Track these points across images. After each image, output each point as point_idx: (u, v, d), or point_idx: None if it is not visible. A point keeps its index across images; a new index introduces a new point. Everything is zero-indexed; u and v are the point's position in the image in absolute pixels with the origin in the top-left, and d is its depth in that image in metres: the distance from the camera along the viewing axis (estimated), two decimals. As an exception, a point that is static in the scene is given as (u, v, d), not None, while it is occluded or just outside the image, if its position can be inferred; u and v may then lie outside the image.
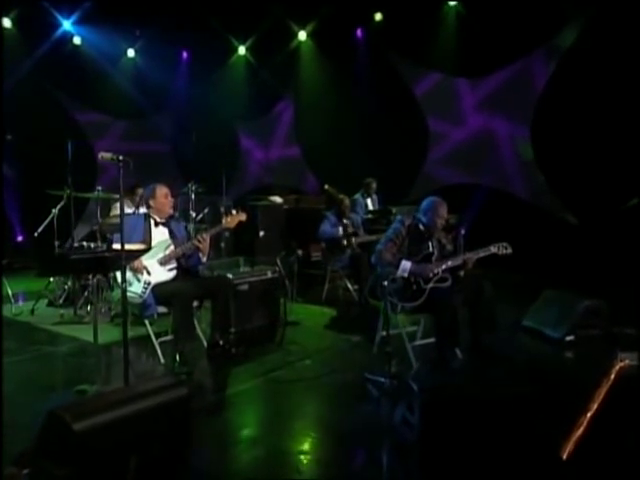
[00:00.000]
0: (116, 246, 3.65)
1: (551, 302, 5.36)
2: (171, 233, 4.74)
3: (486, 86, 9.63)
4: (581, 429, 3.72)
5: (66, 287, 6.05)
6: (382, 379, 3.95)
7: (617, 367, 3.69)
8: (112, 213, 6.49)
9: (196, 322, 4.88)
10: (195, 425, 3.07)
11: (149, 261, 4.53)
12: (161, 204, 4.68)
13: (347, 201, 6.88)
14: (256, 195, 9.11)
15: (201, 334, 4.87)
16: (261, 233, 7.21)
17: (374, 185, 8.42)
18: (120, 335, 4.47)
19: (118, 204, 6.36)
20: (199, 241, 4.62)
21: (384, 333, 4.55)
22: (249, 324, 5.48)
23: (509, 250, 4.61)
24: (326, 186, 11.09)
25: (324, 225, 6.69)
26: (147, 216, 4.69)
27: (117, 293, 4.63)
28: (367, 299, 6.20)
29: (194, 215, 6.92)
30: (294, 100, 11.38)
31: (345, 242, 6.45)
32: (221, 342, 4.75)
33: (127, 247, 3.87)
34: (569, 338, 4.99)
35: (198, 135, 11.11)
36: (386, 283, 3.79)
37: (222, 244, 6.94)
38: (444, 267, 4.42)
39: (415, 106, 10.19)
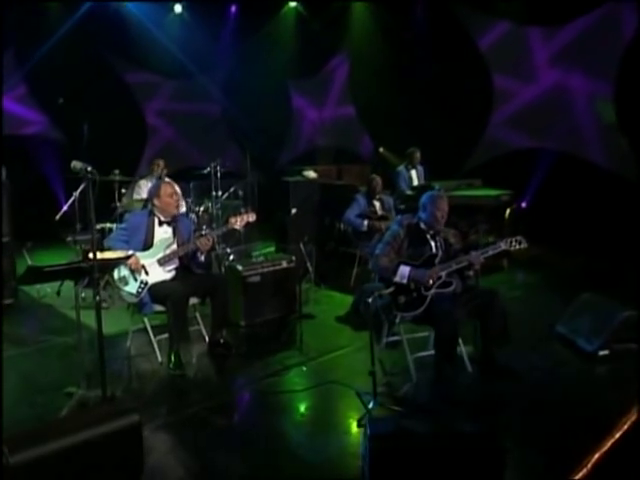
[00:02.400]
0: (99, 254, 3.76)
1: (587, 308, 5.02)
2: (175, 232, 4.81)
3: (563, 36, 8.88)
4: (598, 455, 3.58)
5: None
6: (369, 399, 3.89)
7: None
8: (135, 194, 6.67)
9: (199, 318, 5.02)
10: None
11: (148, 260, 4.65)
12: (166, 203, 4.75)
13: (378, 180, 6.67)
14: (299, 166, 9.01)
15: (204, 331, 5.00)
16: (293, 211, 7.16)
17: (418, 155, 8.12)
18: (130, 324, 4.85)
19: (142, 185, 6.57)
20: (201, 242, 4.66)
21: (386, 339, 4.49)
22: (260, 317, 5.56)
23: (523, 244, 4.34)
24: (381, 149, 10.89)
25: (351, 210, 6.56)
26: (151, 214, 4.80)
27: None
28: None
29: (220, 194, 6.97)
30: (348, 56, 11.03)
31: (368, 230, 6.32)
32: (221, 341, 4.87)
33: (108, 254, 4.00)
34: (602, 352, 4.66)
35: (247, 94, 11.16)
36: (370, 300, 3.67)
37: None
38: (447, 271, 4.21)
39: (479, 61, 9.61)
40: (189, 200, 6.74)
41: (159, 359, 4.68)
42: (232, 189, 7.20)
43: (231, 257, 6.82)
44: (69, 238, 5.38)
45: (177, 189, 6.71)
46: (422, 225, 4.39)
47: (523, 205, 8.99)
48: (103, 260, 3.79)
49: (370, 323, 3.72)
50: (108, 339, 5.05)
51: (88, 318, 4.15)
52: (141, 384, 4.43)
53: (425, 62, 9.86)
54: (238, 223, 4.88)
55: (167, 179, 6.71)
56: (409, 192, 7.71)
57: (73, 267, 3.70)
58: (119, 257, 4.12)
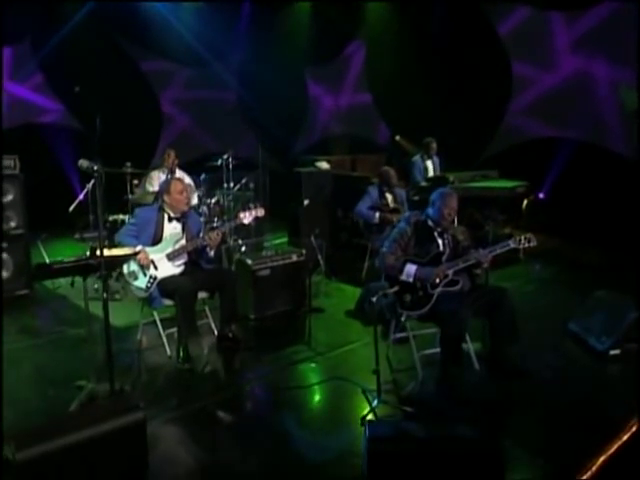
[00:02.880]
0: (106, 251, 3.84)
1: (600, 306, 4.99)
2: (184, 228, 4.88)
3: (585, 21, 8.73)
4: (605, 457, 3.60)
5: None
6: (373, 397, 3.94)
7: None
8: (148, 185, 6.75)
9: (208, 311, 5.10)
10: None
11: (157, 255, 4.73)
12: (175, 200, 4.81)
13: (391, 172, 6.66)
14: (312, 157, 9.03)
15: (213, 324, 5.08)
16: (305, 202, 7.20)
17: (434, 145, 8.08)
18: (142, 316, 4.94)
19: (154, 177, 6.65)
20: (210, 237, 4.74)
21: (394, 335, 4.52)
22: (270, 310, 5.63)
23: (533, 243, 4.32)
24: (397, 137, 10.84)
25: (362, 202, 6.56)
26: (160, 209, 4.87)
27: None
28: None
29: (231, 185, 7.03)
30: (364, 42, 10.95)
31: (380, 223, 6.33)
32: (230, 335, 4.94)
33: (115, 251, 4.09)
34: (613, 352, 4.65)
35: (263, 82, 11.16)
36: (375, 299, 3.70)
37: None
38: (454, 269, 4.22)
39: (498, 47, 9.48)
40: (200, 192, 6.79)
41: (168, 353, 4.77)
42: (244, 181, 7.25)
43: (243, 249, 6.89)
44: (77, 235, 5.49)
45: (189, 181, 6.82)
46: (430, 222, 4.39)
47: (541, 196, 8.92)
48: (111, 257, 3.87)
49: (374, 322, 3.75)
50: (119, 331, 5.26)
51: (101, 310, 4.19)
52: (150, 378, 4.52)
53: (443, 48, 9.75)
54: (247, 218, 4.94)
55: (179, 172, 6.79)
56: (423, 183, 7.69)
57: (81, 264, 3.78)
58: (126, 254, 4.20)
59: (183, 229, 4.89)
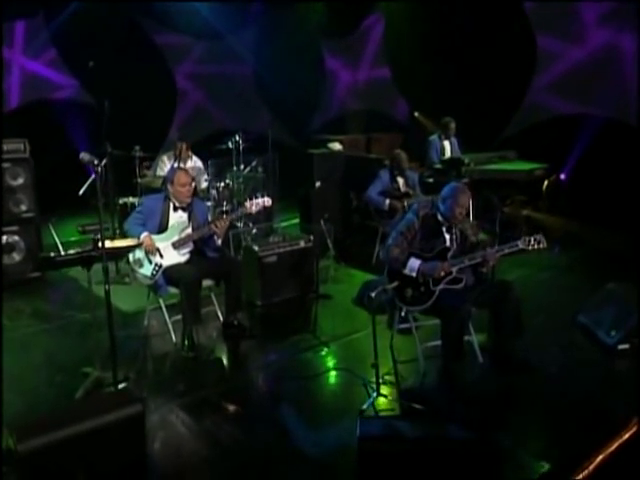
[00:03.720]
0: (108, 242, 3.97)
1: (611, 298, 4.99)
2: (190, 217, 5.00)
3: (614, -7, 8.50)
4: (604, 455, 3.67)
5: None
6: (373, 390, 4.04)
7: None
8: (158, 169, 6.85)
9: (214, 298, 5.23)
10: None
11: (163, 243, 4.86)
12: (178, 192, 4.92)
13: (403, 155, 6.66)
14: (325, 136, 9.04)
15: (219, 311, 5.21)
16: (317, 184, 7.26)
17: (453, 125, 8.02)
18: (150, 302, 5.11)
19: (165, 160, 6.75)
20: (216, 226, 4.84)
21: (398, 326, 4.60)
22: (277, 297, 5.75)
23: (542, 244, 4.32)
24: (416, 113, 10.77)
25: (373, 187, 6.59)
26: (166, 198, 4.98)
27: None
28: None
29: (242, 168, 7.10)
30: (384, 14, 10.81)
31: (390, 210, 6.38)
32: (235, 322, 5.09)
33: (118, 242, 4.22)
34: (622, 347, 4.65)
35: (279, 55, 11.12)
36: (374, 294, 3.77)
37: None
38: (459, 266, 4.26)
39: (523, 20, 9.29)
40: (209, 175, 6.87)
41: (174, 339, 4.93)
42: (254, 163, 7.31)
43: (254, 231, 6.98)
44: (79, 228, 5.64)
45: (200, 165, 6.90)
46: (439, 217, 4.40)
47: (562, 177, 8.82)
48: (113, 249, 4.00)
49: (374, 316, 3.82)
50: (127, 316, 5.43)
51: (112, 294, 4.27)
52: (155, 366, 4.70)
53: (465, 21, 9.60)
54: (253, 207, 5.03)
55: (190, 161, 6.85)
56: (438, 165, 7.67)
57: (84, 256, 3.92)
58: (129, 245, 4.32)
59: (189, 218, 5.00)
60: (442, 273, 4.24)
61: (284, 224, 8.28)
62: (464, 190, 4.39)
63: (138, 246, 4.57)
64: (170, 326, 4.98)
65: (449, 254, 4.31)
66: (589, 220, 8.28)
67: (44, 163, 7.85)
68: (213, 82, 11.43)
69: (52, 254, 3.91)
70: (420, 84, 10.26)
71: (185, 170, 5.02)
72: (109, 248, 3.93)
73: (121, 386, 4.05)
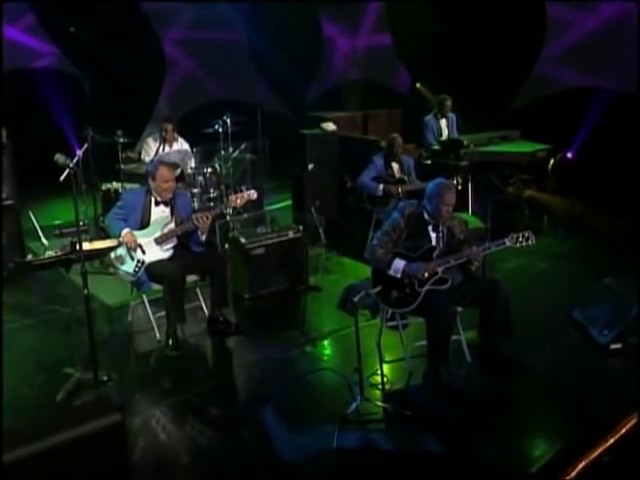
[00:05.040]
0: (85, 245, 4.11)
1: (606, 295, 5.12)
2: (173, 212, 5.12)
3: (629, -44, 8.42)
4: (591, 458, 3.86)
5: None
6: (357, 393, 4.21)
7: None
8: (144, 152, 6.93)
9: (200, 293, 5.39)
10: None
11: (145, 239, 4.99)
12: (160, 188, 5.03)
13: (399, 140, 6.73)
14: (319, 113, 9.07)
15: (204, 306, 5.38)
16: (310, 166, 7.36)
17: (449, 103, 8.06)
18: (133, 297, 5.27)
19: (150, 144, 6.84)
20: (198, 220, 4.97)
21: (387, 323, 4.74)
22: (265, 289, 5.91)
23: (531, 241, 4.43)
24: (418, 84, 10.77)
25: (367, 172, 6.68)
26: (148, 192, 5.11)
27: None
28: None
29: (230, 151, 7.18)
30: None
31: (384, 196, 6.49)
32: (221, 318, 5.26)
33: (97, 244, 4.36)
34: (615, 346, 4.80)
35: (274, 21, 11.05)
36: (356, 299, 3.91)
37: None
38: (445, 266, 4.39)
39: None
40: (196, 161, 6.97)
41: (157, 337, 5.10)
42: (243, 146, 7.39)
43: (245, 215, 7.06)
44: (56, 231, 5.80)
45: (187, 147, 6.98)
46: (425, 215, 4.52)
47: (569, 156, 8.88)
48: (92, 251, 4.14)
49: (356, 321, 3.97)
50: (110, 311, 5.60)
51: (95, 286, 4.38)
52: (138, 365, 4.89)
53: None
54: (238, 201, 5.16)
55: (177, 143, 6.92)
56: (436, 147, 7.74)
57: (62, 259, 4.06)
58: (108, 246, 4.47)
59: (172, 212, 5.12)
60: (426, 274, 4.37)
61: (276, 206, 8.43)
62: (449, 187, 4.49)
63: (118, 247, 4.70)
64: (154, 322, 5.14)
65: (435, 253, 4.44)
66: (597, 202, 8.35)
67: (23, 140, 7.89)
68: (204, 49, 11.36)
69: (29, 257, 4.04)
70: (423, 53, 10.23)
71: (168, 165, 5.12)
72: (88, 250, 4.07)
73: (102, 389, 4.23)
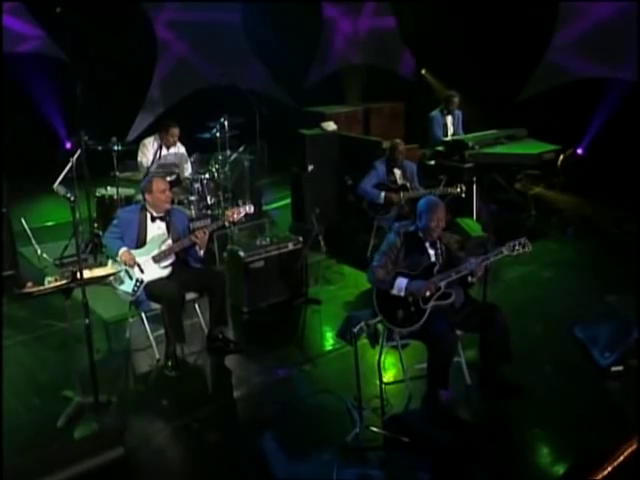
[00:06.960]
0: (87, 272, 4.37)
1: (609, 314, 5.40)
2: (169, 228, 5.38)
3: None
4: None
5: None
6: (356, 416, 4.51)
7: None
8: (140, 156, 7.13)
9: (198, 310, 5.66)
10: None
11: (143, 258, 5.26)
12: (157, 199, 5.28)
13: (402, 146, 6.94)
14: (318, 108, 9.23)
15: (203, 324, 5.66)
16: (310, 167, 7.59)
17: (456, 100, 8.25)
18: (131, 313, 5.49)
19: (148, 146, 7.05)
20: (196, 236, 5.23)
21: (386, 344, 5.02)
22: (264, 302, 6.19)
23: (527, 248, 4.70)
24: (423, 70, 10.93)
25: (368, 179, 6.89)
26: (143, 209, 5.35)
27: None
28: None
29: (228, 154, 7.39)
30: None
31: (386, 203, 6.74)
32: (220, 336, 5.56)
33: (97, 271, 4.63)
34: (615, 369, 5.05)
35: (271, 1, 11.13)
36: (356, 329, 4.20)
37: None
38: (447, 281, 4.66)
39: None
40: (193, 163, 7.19)
41: (156, 355, 5.39)
42: (241, 149, 7.60)
43: (244, 222, 7.28)
44: (57, 262, 6.02)
45: (184, 151, 7.19)
46: (420, 234, 4.81)
47: (579, 152, 9.09)
48: (92, 279, 4.41)
49: (355, 351, 4.26)
50: (108, 326, 5.88)
51: (92, 299, 4.47)
52: (137, 386, 5.20)
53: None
54: (235, 216, 5.41)
55: (174, 147, 7.13)
56: (439, 148, 7.95)
57: (62, 288, 4.34)
58: (108, 273, 4.74)
59: (167, 229, 5.38)
60: (428, 293, 4.65)
61: (275, 205, 8.68)
62: (438, 204, 4.81)
63: (117, 273, 4.98)
64: (153, 340, 5.42)
65: (435, 269, 4.72)
66: (608, 200, 8.57)
67: (7, 131, 7.99)
68: (197, 31, 11.46)
69: (30, 285, 4.29)
70: (428, 37, 10.36)
71: (161, 176, 5.37)
72: (88, 279, 4.33)
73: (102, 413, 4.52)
